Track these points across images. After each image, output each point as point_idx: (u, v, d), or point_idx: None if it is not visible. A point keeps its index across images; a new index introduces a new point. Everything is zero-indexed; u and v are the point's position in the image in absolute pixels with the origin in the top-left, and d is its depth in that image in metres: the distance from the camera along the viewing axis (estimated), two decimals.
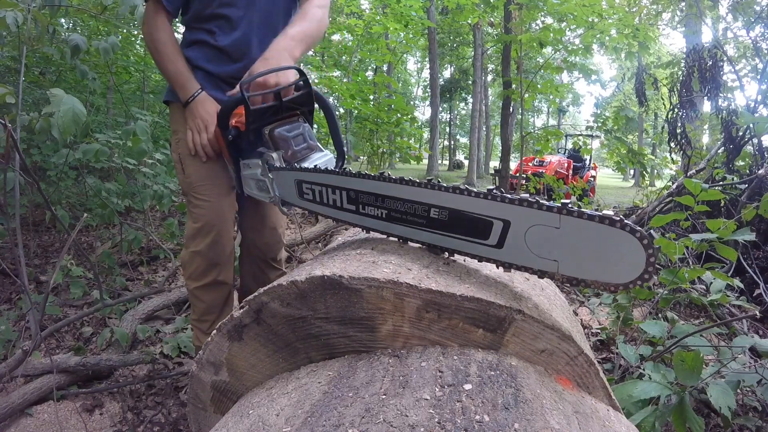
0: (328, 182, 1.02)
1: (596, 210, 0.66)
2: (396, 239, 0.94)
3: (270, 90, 1.22)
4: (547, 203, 0.68)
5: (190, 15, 1.53)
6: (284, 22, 1.60)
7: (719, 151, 3.62)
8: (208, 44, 1.52)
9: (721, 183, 2.98)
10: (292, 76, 1.28)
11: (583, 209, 0.66)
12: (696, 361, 1.15)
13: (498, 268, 0.77)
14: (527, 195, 0.71)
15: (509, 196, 0.72)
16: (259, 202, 1.70)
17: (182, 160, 1.54)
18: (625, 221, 0.63)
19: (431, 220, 0.82)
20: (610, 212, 0.64)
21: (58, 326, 2.30)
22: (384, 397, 0.57)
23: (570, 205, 0.67)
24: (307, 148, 1.25)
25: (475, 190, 0.76)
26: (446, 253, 0.87)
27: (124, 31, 4.71)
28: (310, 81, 1.29)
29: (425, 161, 17.52)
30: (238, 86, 1.20)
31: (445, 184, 0.79)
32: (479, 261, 0.80)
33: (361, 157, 6.58)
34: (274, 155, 1.19)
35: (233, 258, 1.60)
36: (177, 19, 1.58)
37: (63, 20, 4.34)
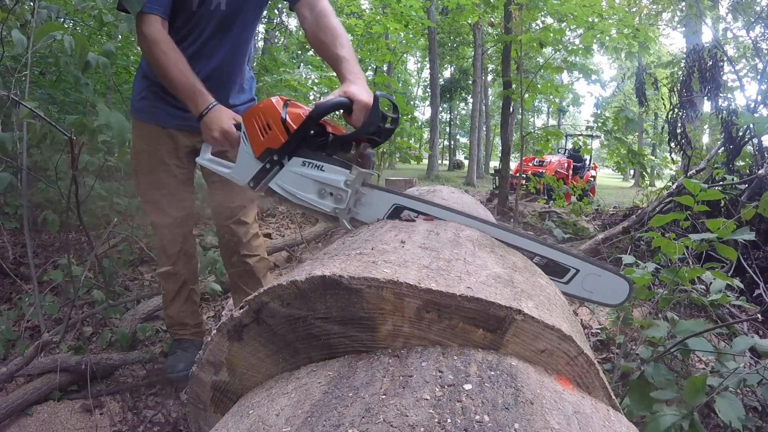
0: (443, 217, 1.13)
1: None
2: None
3: (367, 113, 1.18)
4: (600, 265, 1.14)
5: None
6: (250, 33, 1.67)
7: (719, 151, 3.63)
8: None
9: (721, 183, 2.98)
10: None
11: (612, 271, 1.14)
12: (702, 384, 1.23)
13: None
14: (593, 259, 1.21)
15: (583, 256, 1.17)
16: (229, 195, 1.78)
17: (136, 174, 1.76)
18: (625, 275, 1.15)
19: None
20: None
21: (74, 322, 2.30)
22: (384, 397, 0.57)
23: (609, 269, 1.14)
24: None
25: (566, 248, 1.14)
26: None
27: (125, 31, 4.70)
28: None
29: (425, 161, 17.53)
30: (343, 93, 1.19)
31: (548, 242, 1.15)
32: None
33: None
34: (367, 172, 1.17)
35: (183, 253, 1.83)
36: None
37: (63, 20, 4.33)
